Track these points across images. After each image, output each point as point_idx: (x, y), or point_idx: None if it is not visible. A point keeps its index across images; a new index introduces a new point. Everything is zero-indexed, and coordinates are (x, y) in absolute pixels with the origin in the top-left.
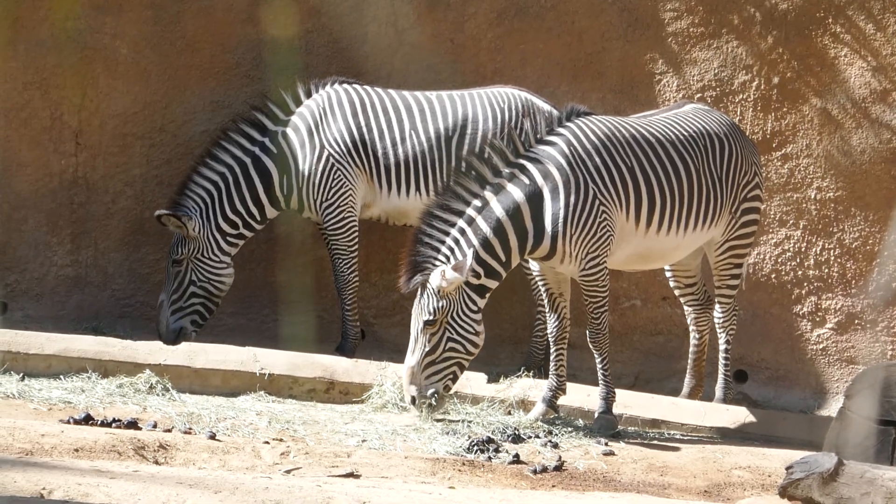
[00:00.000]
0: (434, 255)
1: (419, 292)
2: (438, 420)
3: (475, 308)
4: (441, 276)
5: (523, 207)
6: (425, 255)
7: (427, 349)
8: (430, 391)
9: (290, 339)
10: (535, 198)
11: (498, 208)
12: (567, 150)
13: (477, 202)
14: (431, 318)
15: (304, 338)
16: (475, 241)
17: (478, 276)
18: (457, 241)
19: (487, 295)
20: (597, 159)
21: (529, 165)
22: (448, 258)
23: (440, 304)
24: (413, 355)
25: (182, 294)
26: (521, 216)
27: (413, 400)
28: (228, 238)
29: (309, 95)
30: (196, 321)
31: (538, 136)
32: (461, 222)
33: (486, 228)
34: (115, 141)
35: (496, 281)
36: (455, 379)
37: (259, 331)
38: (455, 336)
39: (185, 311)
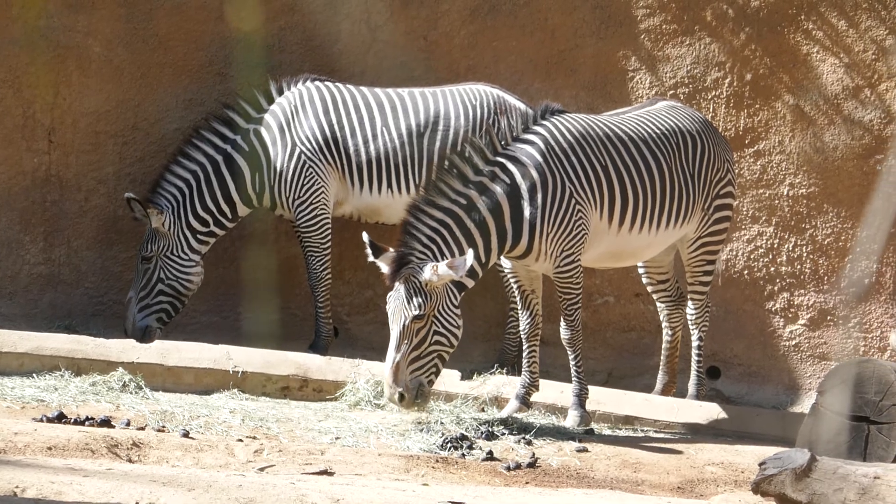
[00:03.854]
0: (422, 249)
1: (400, 286)
2: (420, 416)
3: (456, 302)
4: (433, 270)
5: (504, 207)
6: (412, 249)
7: (415, 343)
8: (416, 385)
9: (264, 336)
10: (514, 197)
11: (483, 208)
12: (544, 149)
13: (462, 200)
14: (420, 312)
15: (277, 335)
16: (462, 240)
17: None
18: (443, 238)
19: (462, 293)
20: (572, 158)
21: (509, 164)
22: (435, 254)
23: (428, 299)
24: (398, 351)
25: (150, 291)
26: (502, 216)
27: (402, 396)
28: (199, 236)
29: (281, 93)
30: (162, 319)
31: (514, 134)
32: (447, 219)
33: (471, 227)
34: (87, 139)
35: (473, 281)
36: (438, 372)
37: (232, 328)
38: (441, 329)
39: (152, 309)
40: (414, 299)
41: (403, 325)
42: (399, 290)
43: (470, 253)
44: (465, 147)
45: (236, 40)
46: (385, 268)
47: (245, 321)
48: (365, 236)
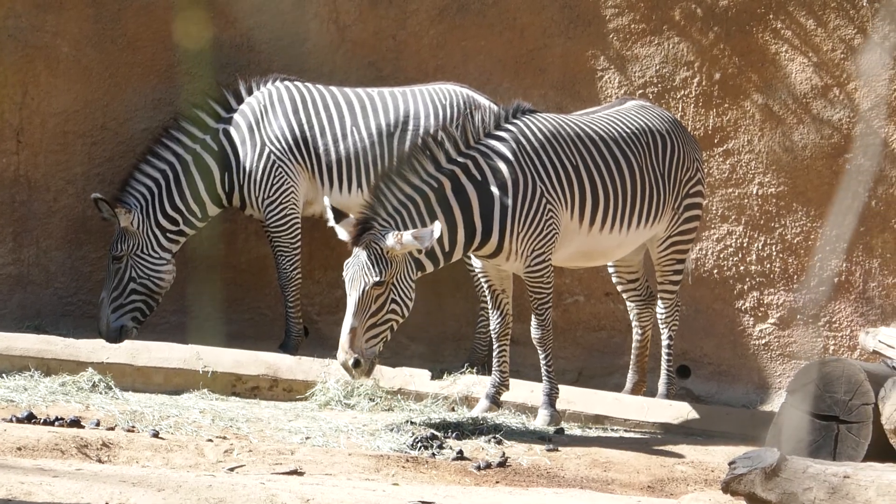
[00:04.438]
0: (385, 217)
1: (361, 252)
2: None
3: (413, 276)
4: (397, 238)
5: (474, 202)
6: (376, 214)
7: (372, 310)
8: (372, 354)
9: (234, 336)
10: (485, 194)
11: (451, 197)
12: (515, 148)
13: (433, 182)
14: (380, 279)
15: (247, 335)
16: (427, 219)
17: (420, 250)
18: (409, 212)
19: (419, 274)
20: (543, 157)
21: (480, 160)
22: (398, 224)
23: (388, 266)
24: (355, 316)
25: (122, 291)
26: (471, 211)
27: (357, 362)
28: (169, 235)
29: (250, 93)
30: (137, 318)
31: (486, 131)
32: (416, 196)
33: (438, 211)
34: (56, 139)
35: (431, 265)
36: (386, 341)
37: (201, 328)
38: (398, 297)
39: (126, 309)
40: (375, 266)
41: (363, 290)
42: (360, 256)
43: (437, 224)
44: (440, 133)
45: (184, 52)
46: (345, 233)
47: (215, 321)
48: (326, 200)
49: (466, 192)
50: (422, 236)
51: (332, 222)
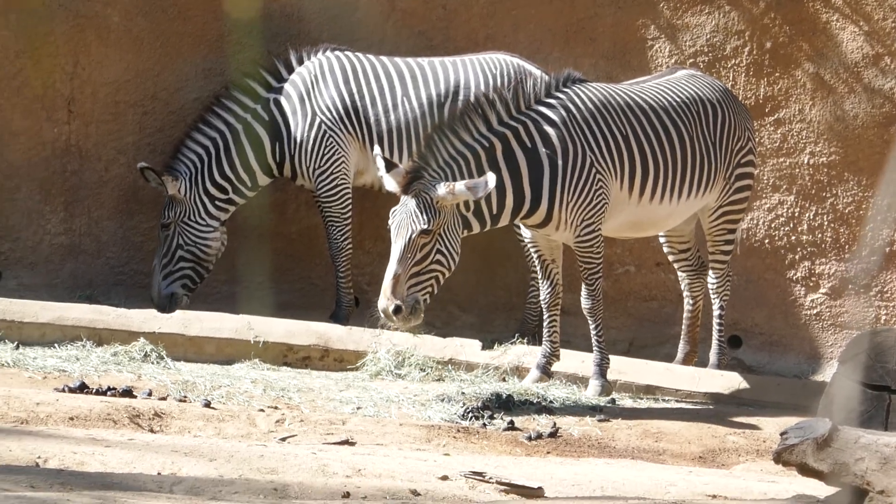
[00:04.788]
0: (436, 169)
1: (409, 200)
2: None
3: (460, 233)
4: (449, 188)
5: (523, 169)
6: (427, 164)
7: (417, 258)
8: (413, 301)
9: (285, 306)
10: (534, 162)
11: (502, 160)
12: (566, 116)
13: (485, 142)
14: (428, 227)
15: (298, 305)
16: (476, 175)
17: (468, 207)
18: (459, 167)
19: (465, 232)
20: (594, 127)
21: (531, 126)
22: (447, 177)
23: (437, 215)
24: (400, 262)
25: (171, 258)
26: (520, 177)
27: (398, 308)
28: (217, 202)
29: (301, 63)
30: (187, 285)
31: (537, 98)
32: (468, 152)
33: (488, 171)
34: (107, 109)
35: (478, 225)
36: (433, 293)
37: (252, 298)
38: (444, 249)
39: (175, 276)
40: (423, 213)
41: (409, 237)
42: (408, 203)
43: (490, 175)
44: (492, 94)
45: (235, 22)
46: (394, 183)
47: (267, 291)
48: (376, 149)
49: (516, 156)
50: (476, 185)
51: (381, 171)
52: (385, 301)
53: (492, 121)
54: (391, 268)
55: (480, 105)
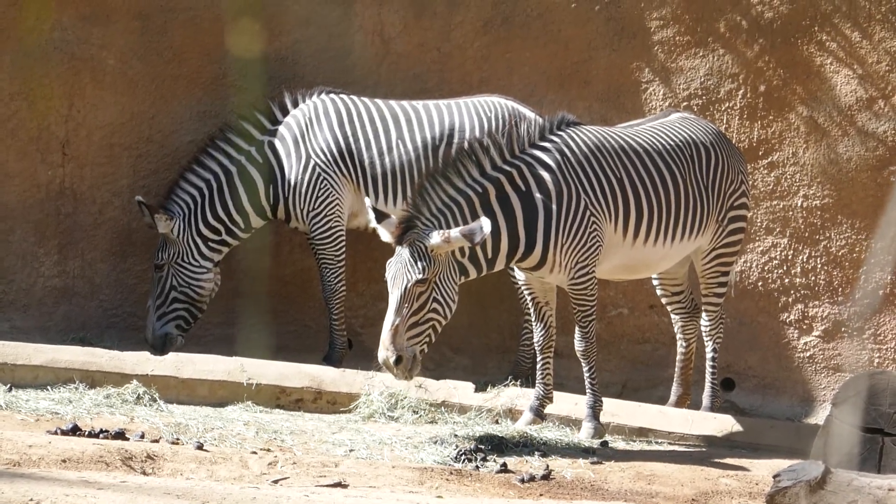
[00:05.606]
0: (429, 217)
1: (404, 250)
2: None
3: (456, 278)
4: (444, 236)
5: (518, 213)
6: (420, 213)
7: (415, 308)
8: (412, 353)
9: (278, 348)
10: (529, 205)
11: (496, 206)
12: (560, 159)
13: (478, 188)
14: (423, 276)
15: (291, 348)
16: (471, 221)
17: (463, 253)
18: (453, 214)
19: (462, 279)
20: (587, 169)
21: (525, 170)
22: (441, 225)
23: (431, 263)
24: (397, 313)
25: (165, 299)
26: (515, 221)
27: (398, 359)
28: (210, 244)
29: (296, 105)
30: (181, 326)
31: (531, 141)
32: (461, 199)
33: (482, 216)
34: (102, 151)
35: (474, 270)
36: (430, 343)
37: (246, 341)
38: (440, 297)
39: (169, 317)
40: (418, 262)
41: (405, 287)
42: (402, 253)
43: (485, 219)
44: (486, 139)
45: (235, 63)
46: (387, 233)
47: (259, 333)
48: (367, 201)
49: (510, 200)
50: (472, 231)
51: (373, 223)
52: (385, 352)
53: (485, 166)
54: (389, 318)
55: (474, 151)
